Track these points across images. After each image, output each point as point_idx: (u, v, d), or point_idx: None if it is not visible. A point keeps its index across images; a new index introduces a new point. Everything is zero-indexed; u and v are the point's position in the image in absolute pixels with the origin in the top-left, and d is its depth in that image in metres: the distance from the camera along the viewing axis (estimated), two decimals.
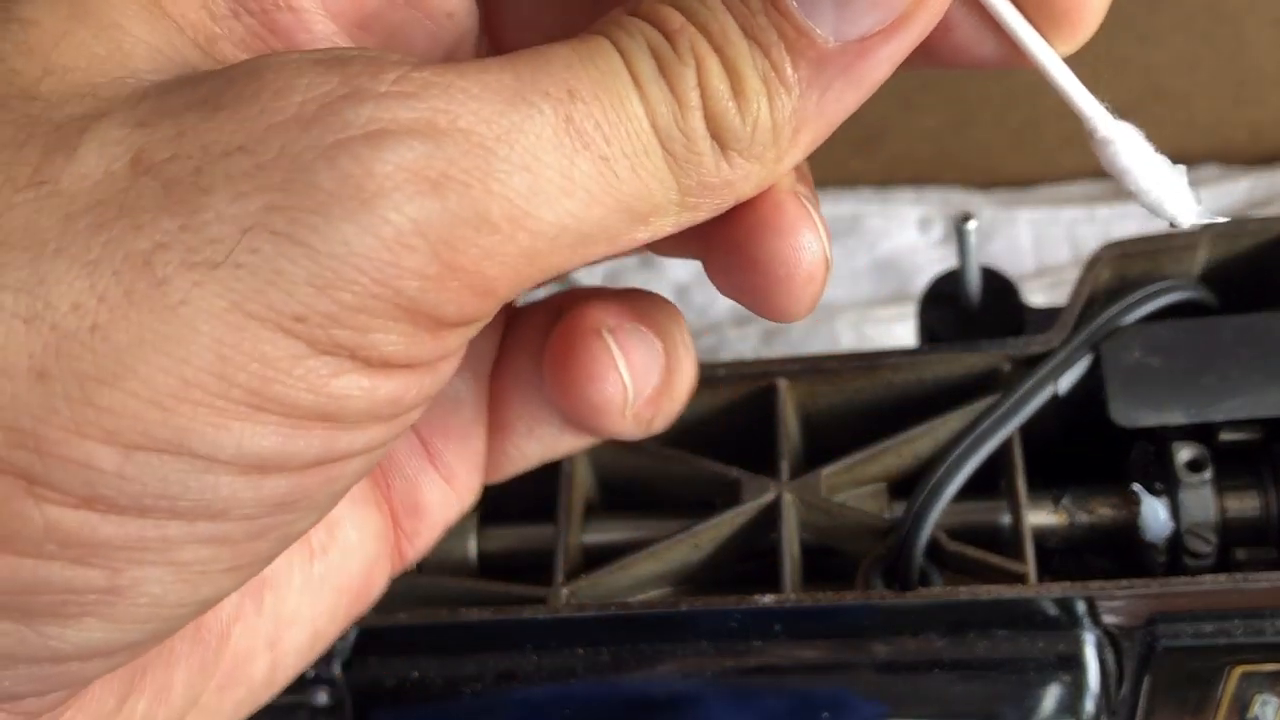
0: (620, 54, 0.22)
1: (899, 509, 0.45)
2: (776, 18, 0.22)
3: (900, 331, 0.71)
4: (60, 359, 0.19)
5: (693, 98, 0.22)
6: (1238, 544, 0.43)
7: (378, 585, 0.30)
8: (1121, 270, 0.46)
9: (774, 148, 0.23)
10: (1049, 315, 0.47)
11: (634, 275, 0.75)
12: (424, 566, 0.47)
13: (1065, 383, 0.45)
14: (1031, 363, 0.45)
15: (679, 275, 0.74)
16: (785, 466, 0.45)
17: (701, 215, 0.23)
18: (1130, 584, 0.40)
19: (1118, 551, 0.45)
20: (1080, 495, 0.45)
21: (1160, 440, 0.44)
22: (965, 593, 0.40)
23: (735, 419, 0.47)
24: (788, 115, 0.23)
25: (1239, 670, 0.41)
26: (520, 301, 0.31)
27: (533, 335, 0.29)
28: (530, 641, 0.43)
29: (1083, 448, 0.46)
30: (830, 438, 0.47)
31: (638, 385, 0.26)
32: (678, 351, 0.27)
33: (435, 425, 0.30)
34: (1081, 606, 0.41)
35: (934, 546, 0.42)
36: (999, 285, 0.50)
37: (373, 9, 0.25)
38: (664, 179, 0.22)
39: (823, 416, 0.47)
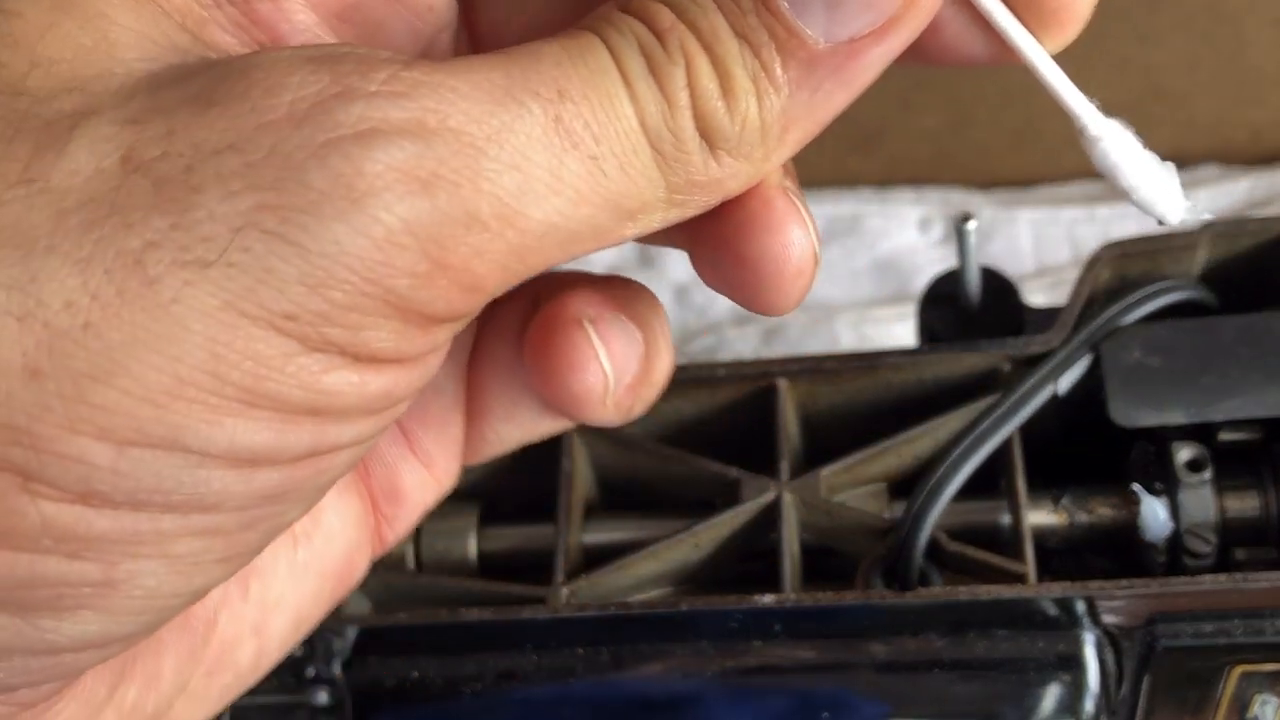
0: (610, 52, 0.22)
1: (899, 509, 0.45)
2: (767, 17, 0.22)
3: (900, 331, 0.71)
4: (54, 357, 0.20)
5: (682, 97, 0.22)
6: (1237, 544, 0.43)
7: (359, 569, 0.31)
8: (1121, 270, 0.46)
9: (762, 147, 0.23)
10: (1049, 315, 0.47)
11: (633, 274, 0.74)
12: (424, 566, 0.47)
13: (1065, 383, 0.45)
14: (1031, 363, 0.45)
15: (679, 275, 0.74)
16: (785, 466, 0.45)
17: (689, 212, 0.23)
18: (1130, 584, 0.40)
19: (1117, 551, 0.45)
20: (1080, 495, 0.45)
21: (1160, 440, 0.44)
22: (965, 593, 0.40)
23: (735, 419, 0.47)
24: (776, 115, 0.23)
25: (1239, 670, 0.41)
26: None
27: (511, 321, 0.29)
28: (530, 641, 0.43)
29: (1082, 448, 0.46)
30: (830, 438, 0.47)
31: (618, 374, 0.26)
32: (656, 339, 0.27)
33: (414, 412, 0.31)
34: (1081, 606, 0.41)
35: (934, 546, 0.42)
36: (999, 285, 0.50)
37: (354, 0, 0.25)
38: (652, 177, 0.22)
39: (823, 416, 0.47)
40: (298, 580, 0.29)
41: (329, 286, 0.20)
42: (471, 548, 0.47)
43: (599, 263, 0.75)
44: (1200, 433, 0.43)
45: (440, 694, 0.43)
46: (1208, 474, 0.43)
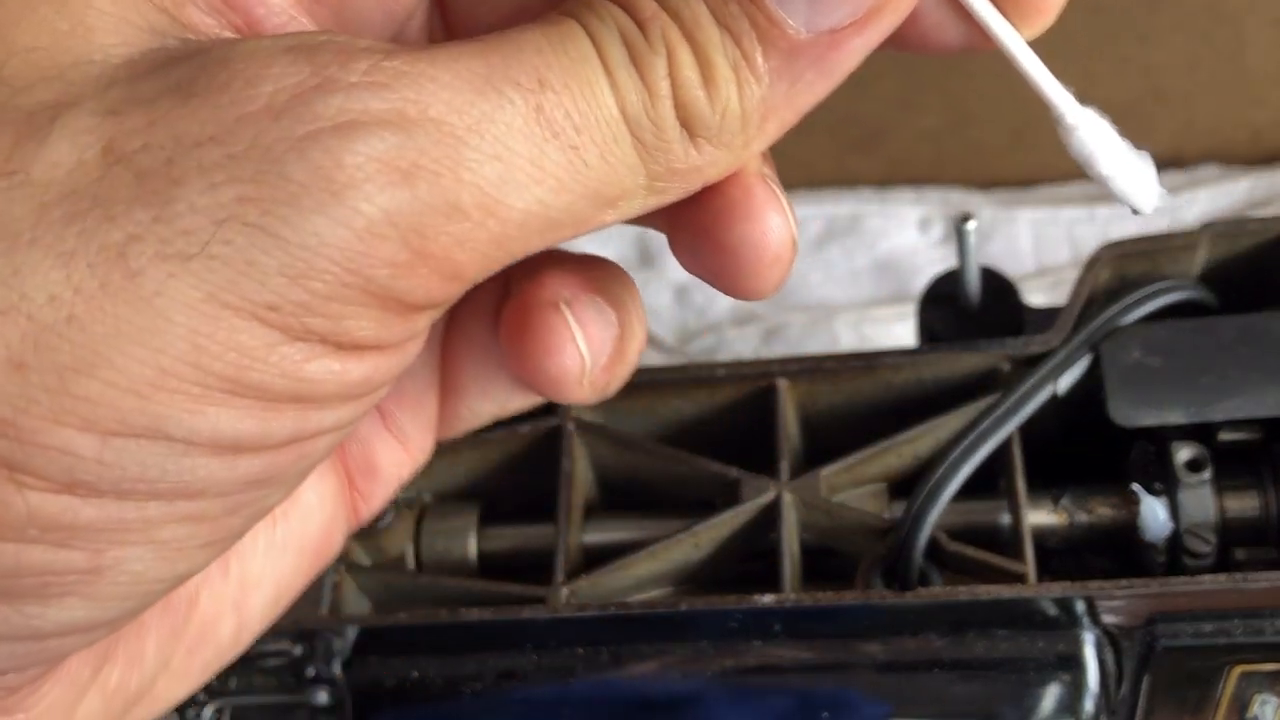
0: (592, 40, 0.22)
1: (899, 509, 0.45)
2: (749, 7, 0.22)
3: (900, 331, 0.71)
4: (38, 350, 0.20)
5: (663, 87, 0.22)
6: (1237, 544, 0.43)
7: (336, 543, 0.31)
8: (1121, 270, 0.46)
9: (742, 135, 0.23)
10: (1048, 315, 0.47)
11: (634, 274, 0.74)
12: (424, 566, 0.47)
13: (1065, 383, 0.45)
14: (1031, 363, 0.45)
15: (679, 276, 0.74)
16: (785, 466, 0.45)
17: (669, 199, 0.24)
18: (1130, 584, 0.40)
19: (1117, 551, 0.45)
20: (1080, 495, 0.45)
21: (1160, 440, 0.44)
22: (965, 593, 0.40)
23: (735, 419, 0.47)
24: (756, 104, 0.23)
25: (1238, 670, 0.41)
26: None
27: (485, 299, 0.29)
28: (530, 641, 0.43)
29: (1082, 448, 0.46)
30: (830, 438, 0.47)
31: (594, 355, 0.26)
32: (629, 318, 0.27)
33: (389, 390, 0.31)
34: (1081, 606, 0.41)
35: (934, 546, 0.43)
36: (998, 285, 0.50)
37: None
38: (633, 166, 0.23)
39: (822, 416, 0.48)
40: (277, 557, 0.30)
41: (310, 277, 0.20)
42: (471, 548, 0.47)
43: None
44: (1200, 433, 0.43)
45: (440, 694, 0.43)
46: (1207, 474, 0.43)
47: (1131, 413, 0.43)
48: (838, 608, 0.41)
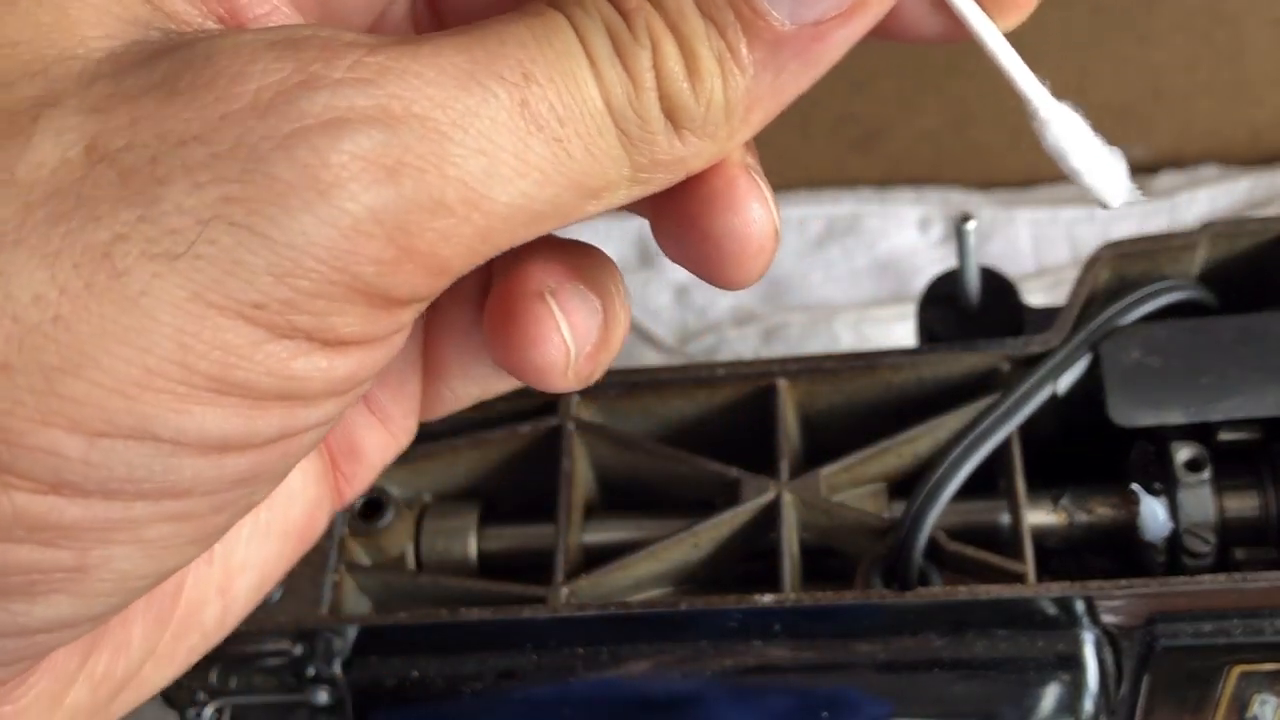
0: (576, 32, 0.22)
1: (898, 509, 0.45)
2: None
3: (900, 331, 0.71)
4: (23, 351, 0.20)
5: (648, 79, 0.22)
6: (1237, 544, 0.43)
7: (320, 526, 0.31)
8: (1121, 270, 0.46)
9: (726, 126, 0.23)
10: (1048, 315, 0.47)
11: (634, 274, 0.75)
12: (424, 566, 0.47)
13: (1064, 383, 0.45)
14: (1031, 363, 0.45)
15: (679, 276, 0.74)
16: (785, 466, 0.45)
17: (652, 189, 0.24)
18: (1129, 584, 0.40)
19: (1117, 551, 0.45)
20: (1079, 495, 0.45)
21: (1159, 440, 0.44)
22: (964, 592, 0.40)
23: (735, 419, 0.47)
24: (741, 95, 0.23)
25: (1238, 670, 0.41)
26: None
27: (467, 283, 0.29)
28: (530, 641, 0.43)
29: (1082, 447, 0.46)
30: (830, 438, 0.47)
31: (579, 345, 0.26)
32: (613, 306, 0.27)
33: None
34: (1080, 606, 0.41)
35: (933, 546, 0.43)
36: (998, 285, 0.50)
37: None
38: (617, 157, 0.23)
39: (822, 416, 0.48)
40: (261, 541, 0.30)
41: (296, 276, 0.20)
42: (471, 547, 0.47)
43: None
44: (1199, 432, 0.43)
45: (440, 693, 0.43)
46: (1207, 474, 0.43)
47: (1131, 413, 0.43)
48: (838, 607, 0.41)
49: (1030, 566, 0.42)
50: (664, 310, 0.74)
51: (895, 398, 0.47)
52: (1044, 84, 0.25)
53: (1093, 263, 0.46)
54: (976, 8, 0.24)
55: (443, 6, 0.27)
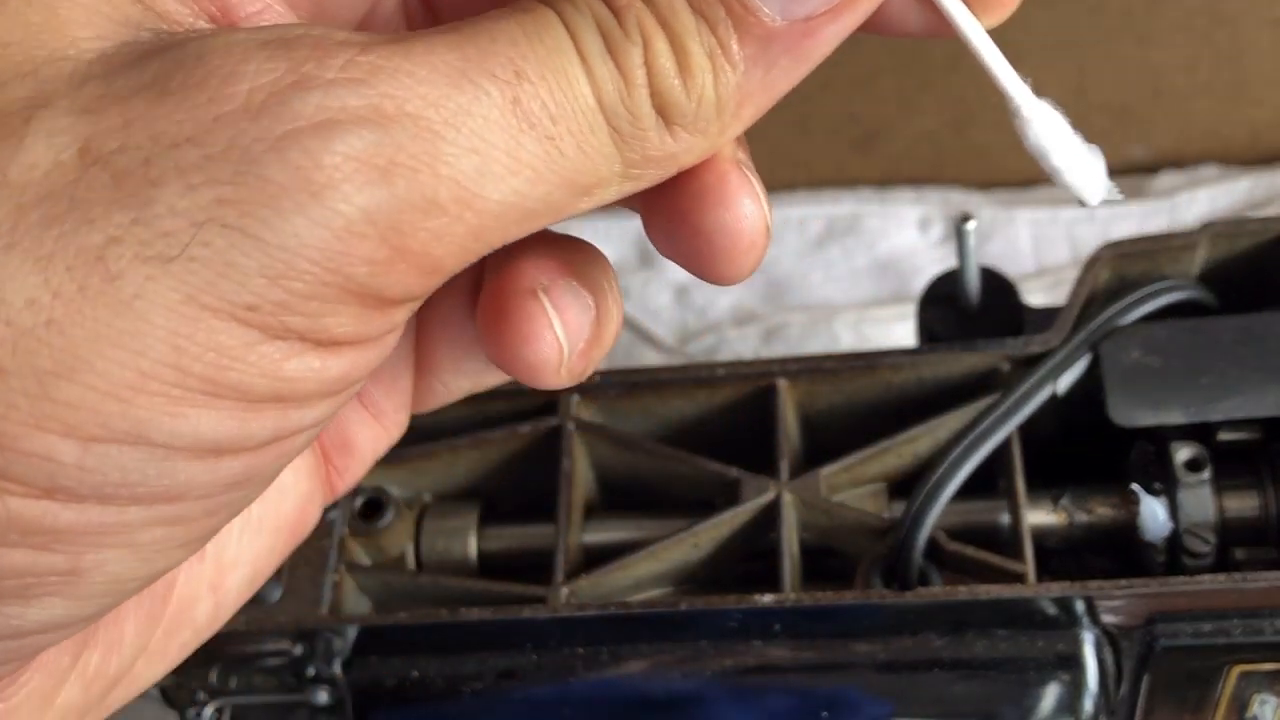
0: (567, 29, 0.22)
1: (898, 509, 0.45)
2: None
3: (900, 331, 0.71)
4: (17, 355, 0.20)
5: (639, 76, 0.22)
6: (1236, 544, 0.43)
7: (312, 519, 0.31)
8: (1120, 270, 0.46)
9: (717, 122, 0.23)
10: (1048, 315, 0.47)
11: (634, 274, 0.75)
12: (424, 566, 0.47)
13: (1064, 382, 0.45)
14: (1031, 363, 0.45)
15: (679, 276, 0.74)
16: (785, 466, 0.45)
17: (643, 185, 0.24)
18: (1129, 584, 0.40)
19: (1117, 551, 0.45)
20: (1079, 495, 0.45)
21: (1159, 440, 0.44)
22: (964, 592, 0.40)
23: (735, 419, 0.47)
24: (732, 91, 0.23)
25: (1237, 669, 0.41)
26: None
27: (459, 277, 0.29)
28: (530, 641, 0.43)
29: (1082, 447, 0.46)
30: (830, 438, 0.47)
31: (572, 342, 0.26)
32: (606, 302, 0.27)
33: None
34: (1080, 606, 0.41)
35: (933, 546, 0.43)
36: (998, 285, 0.50)
37: None
38: (609, 154, 0.23)
39: (822, 416, 0.48)
40: (253, 537, 0.30)
41: (290, 278, 0.20)
42: (471, 547, 0.47)
43: None
44: (1199, 432, 0.43)
45: (440, 693, 0.43)
46: (1207, 474, 0.43)
47: (1131, 413, 0.43)
48: (837, 607, 0.41)
49: (1030, 566, 0.42)
50: (664, 310, 0.74)
51: (895, 398, 0.47)
52: (1027, 82, 0.25)
53: (1093, 263, 0.46)
54: (961, 5, 0.24)
55: (435, 2, 0.27)
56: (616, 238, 0.75)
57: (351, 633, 0.43)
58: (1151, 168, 0.74)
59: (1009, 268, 0.59)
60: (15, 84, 0.21)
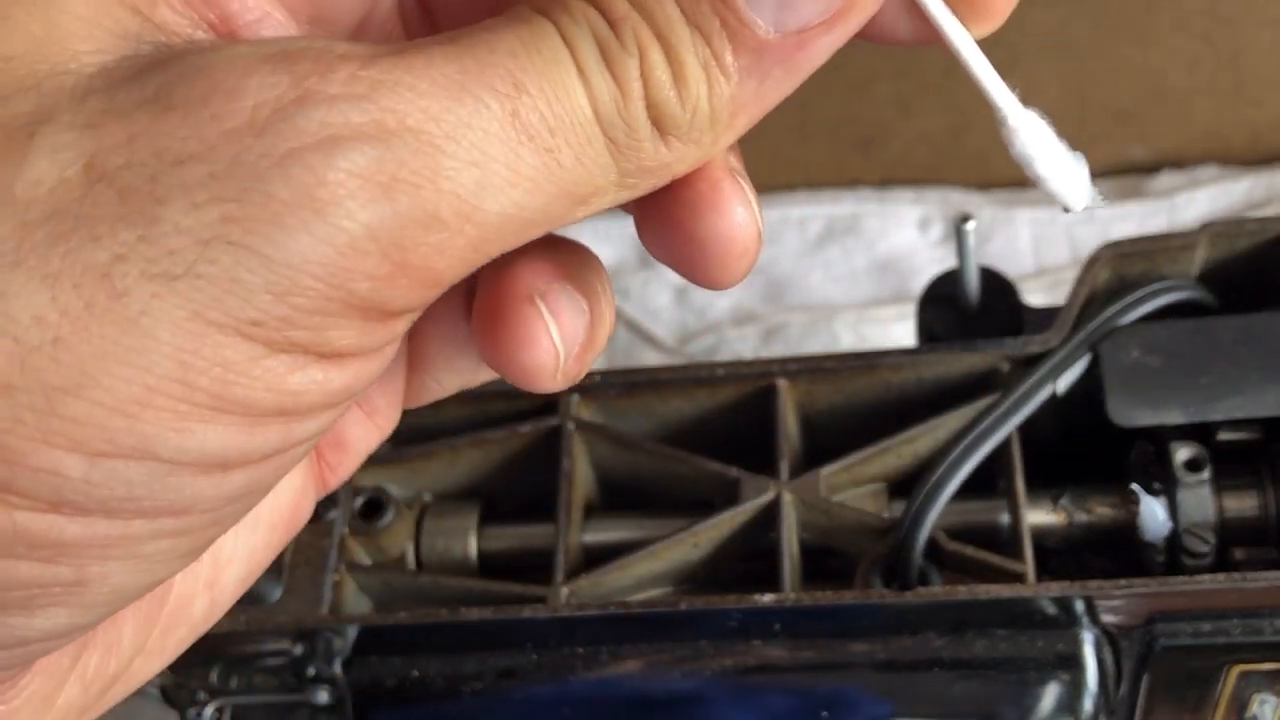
0: (565, 41, 0.22)
1: (898, 509, 0.45)
2: (719, 6, 0.22)
3: (899, 331, 0.71)
4: (25, 371, 0.20)
5: (635, 87, 0.22)
6: (1236, 543, 0.43)
7: (305, 514, 0.31)
8: (1120, 270, 0.46)
9: (711, 132, 0.23)
10: (1048, 315, 0.47)
11: (634, 274, 0.75)
12: (424, 566, 0.47)
13: (1064, 382, 0.45)
14: (1030, 362, 0.45)
15: (678, 277, 0.74)
16: (785, 466, 0.45)
17: (638, 193, 0.24)
18: (1129, 583, 0.40)
19: (1116, 551, 0.45)
20: (1079, 495, 0.45)
21: (1159, 440, 0.44)
22: (964, 592, 0.40)
23: (735, 419, 0.47)
24: (726, 101, 0.23)
25: (1237, 669, 0.41)
26: None
27: None
28: (530, 640, 0.43)
29: (1082, 447, 0.46)
30: (829, 438, 0.47)
31: (568, 346, 0.26)
32: (600, 305, 0.27)
33: None
34: (1080, 606, 0.41)
35: (933, 546, 0.43)
36: (998, 285, 0.50)
37: None
38: (605, 165, 0.23)
39: (822, 416, 0.48)
40: (249, 534, 0.30)
41: (294, 294, 0.21)
42: (471, 547, 0.47)
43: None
44: (1199, 432, 0.43)
45: (440, 693, 0.43)
46: (1206, 474, 0.43)
47: (1130, 413, 0.43)
48: (837, 607, 0.41)
49: (1030, 566, 0.42)
50: (664, 310, 0.74)
51: (895, 398, 0.47)
52: (1015, 91, 0.25)
53: (1092, 263, 0.46)
54: (950, 15, 0.24)
55: (432, 6, 0.27)
56: (616, 238, 0.75)
57: (352, 632, 0.43)
58: (1151, 168, 0.74)
59: (1008, 268, 0.59)
60: (18, 98, 0.21)
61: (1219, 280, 0.47)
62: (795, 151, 0.73)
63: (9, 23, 0.22)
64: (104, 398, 0.20)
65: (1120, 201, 0.73)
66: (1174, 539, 0.43)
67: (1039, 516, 0.45)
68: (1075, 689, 0.41)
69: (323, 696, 0.43)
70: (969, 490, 0.43)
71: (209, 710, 0.45)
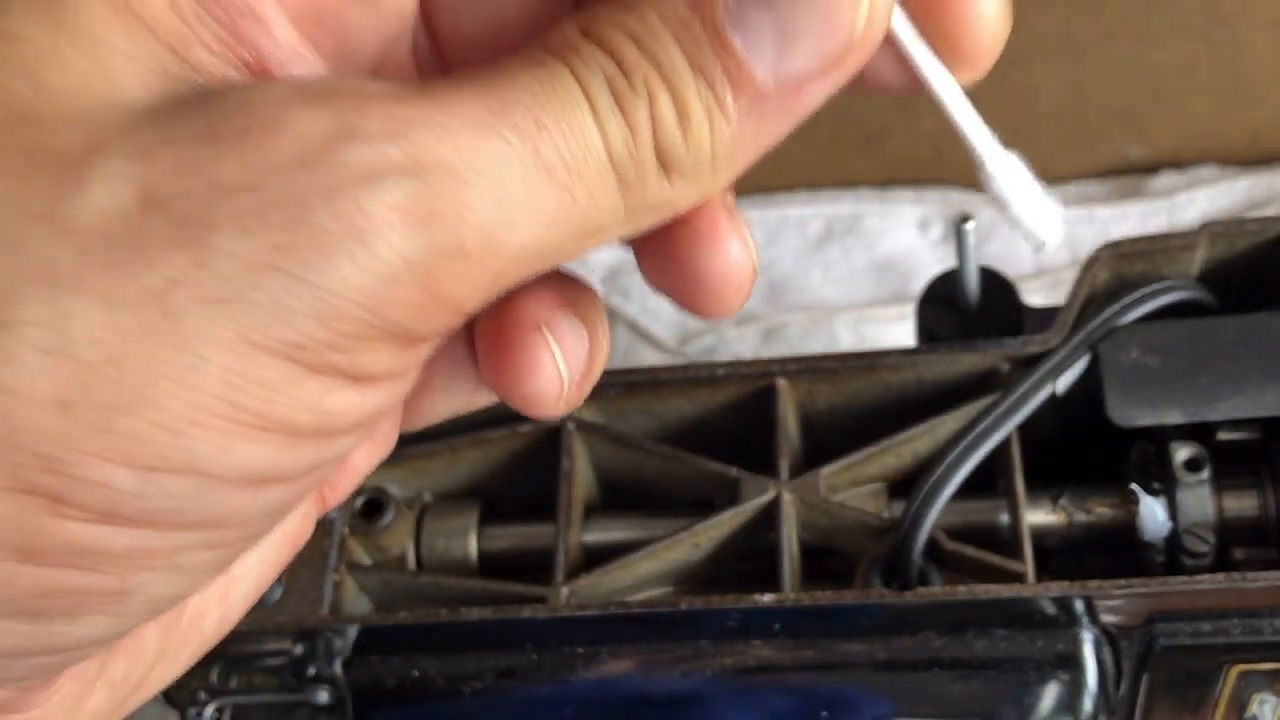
0: (579, 84, 0.24)
1: (898, 508, 0.45)
2: (721, 53, 0.24)
3: (899, 332, 0.71)
4: (83, 390, 0.21)
5: (644, 129, 0.24)
6: (1236, 543, 0.43)
7: (308, 531, 0.33)
8: (1119, 270, 0.46)
9: (711, 171, 0.25)
10: (1047, 315, 0.47)
11: (633, 275, 0.75)
12: (424, 566, 0.47)
13: (1064, 382, 0.45)
14: (1030, 363, 0.45)
15: None
16: (784, 466, 0.45)
17: (642, 228, 0.26)
18: (1129, 583, 0.40)
19: (1116, 551, 0.45)
20: (1079, 495, 0.45)
21: (1159, 440, 0.44)
22: (964, 592, 0.41)
23: (735, 419, 0.47)
24: (726, 142, 0.25)
25: (1237, 669, 0.41)
26: None
27: None
28: (530, 640, 0.43)
29: (1081, 447, 0.46)
30: (829, 438, 0.47)
31: (571, 373, 0.28)
32: (598, 334, 0.29)
33: None
34: (1080, 606, 0.41)
35: (933, 546, 0.43)
36: (997, 285, 0.50)
37: (326, 6, 0.26)
38: (614, 201, 0.24)
39: (822, 416, 0.48)
40: (258, 550, 0.31)
41: (336, 319, 0.22)
42: (472, 547, 0.47)
43: (600, 265, 0.76)
44: (1199, 432, 0.43)
45: (441, 693, 0.43)
46: (1206, 473, 0.43)
47: (1130, 412, 0.43)
48: (837, 607, 0.41)
49: (1029, 566, 0.42)
50: (664, 310, 0.74)
51: (895, 398, 0.47)
52: (994, 135, 0.26)
53: (1092, 263, 0.46)
54: (936, 63, 0.26)
55: (444, 44, 0.29)
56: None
57: (352, 632, 0.43)
58: (1150, 168, 0.74)
59: (1008, 268, 0.59)
60: (72, 129, 0.22)
61: (1219, 280, 0.47)
62: (795, 151, 0.73)
63: (61, 59, 0.23)
64: (156, 415, 0.21)
65: (1119, 201, 0.73)
66: (1174, 539, 0.43)
67: (1039, 516, 0.45)
68: (1075, 689, 0.41)
69: (323, 696, 0.43)
70: (969, 490, 0.43)
71: (209, 710, 0.45)
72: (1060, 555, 0.46)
